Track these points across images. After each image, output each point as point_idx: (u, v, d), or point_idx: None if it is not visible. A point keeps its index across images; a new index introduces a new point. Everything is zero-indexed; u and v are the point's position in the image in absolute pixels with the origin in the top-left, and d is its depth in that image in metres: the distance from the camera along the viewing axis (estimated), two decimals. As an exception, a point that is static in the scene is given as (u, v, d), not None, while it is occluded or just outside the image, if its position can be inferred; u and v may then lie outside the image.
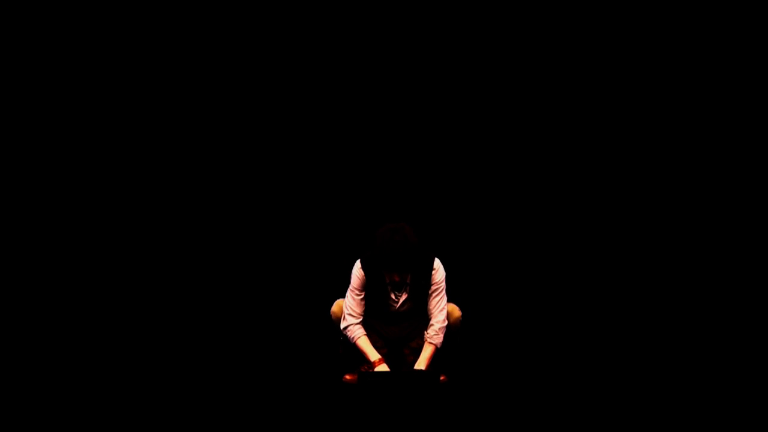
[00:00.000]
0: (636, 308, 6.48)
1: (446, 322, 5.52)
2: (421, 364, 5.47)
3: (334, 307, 5.65)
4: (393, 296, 5.53)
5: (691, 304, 6.46)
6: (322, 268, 6.63)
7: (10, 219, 6.58)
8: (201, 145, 6.74)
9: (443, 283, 5.52)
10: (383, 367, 5.47)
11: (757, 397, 5.18)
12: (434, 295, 5.52)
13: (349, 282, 5.53)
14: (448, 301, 5.56)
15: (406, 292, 5.52)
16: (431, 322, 5.52)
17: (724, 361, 5.77)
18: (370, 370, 5.59)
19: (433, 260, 5.51)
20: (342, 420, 5.10)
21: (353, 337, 5.52)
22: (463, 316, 5.59)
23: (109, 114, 6.66)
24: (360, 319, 5.53)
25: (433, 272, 5.50)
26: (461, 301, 6.35)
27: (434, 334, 5.50)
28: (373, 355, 5.49)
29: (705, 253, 6.56)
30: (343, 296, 5.60)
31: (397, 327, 5.61)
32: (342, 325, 5.55)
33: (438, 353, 5.51)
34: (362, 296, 5.53)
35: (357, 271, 5.51)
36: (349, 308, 5.53)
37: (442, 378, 5.58)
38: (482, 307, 6.48)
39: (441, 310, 5.52)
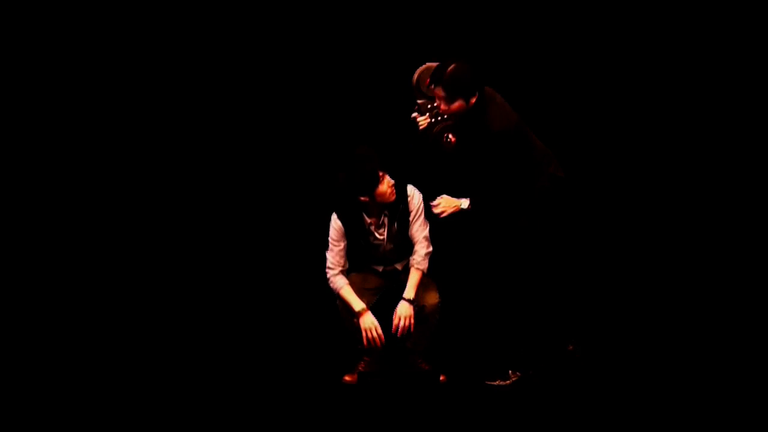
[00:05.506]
0: (636, 307, 6.47)
1: (431, 248, 5.54)
2: (409, 291, 5.46)
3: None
4: (377, 234, 5.55)
5: (684, 300, 6.45)
6: (320, 270, 6.60)
7: (10, 219, 6.58)
8: (200, 144, 6.72)
9: (422, 207, 5.55)
10: (368, 317, 5.44)
11: (757, 397, 5.18)
12: (414, 221, 5.54)
13: None
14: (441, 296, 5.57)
15: (386, 226, 5.53)
16: (415, 249, 5.54)
17: (722, 361, 5.77)
18: (369, 369, 5.59)
19: (406, 188, 5.54)
20: (342, 420, 5.10)
21: (336, 288, 5.53)
22: (440, 302, 5.57)
23: (107, 114, 6.65)
24: (341, 269, 5.55)
25: (409, 199, 5.54)
26: (461, 301, 6.36)
27: (421, 259, 5.52)
28: (358, 304, 5.48)
29: (697, 251, 6.55)
30: None
31: (390, 267, 5.64)
32: (327, 277, 5.56)
33: (425, 278, 5.52)
34: (341, 246, 5.54)
35: (334, 223, 5.54)
36: (329, 261, 5.55)
37: (442, 378, 5.59)
38: (482, 307, 6.46)
39: (424, 236, 5.54)
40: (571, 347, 5.55)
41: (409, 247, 5.58)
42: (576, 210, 5.93)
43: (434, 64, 5.26)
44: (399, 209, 5.51)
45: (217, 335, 6.42)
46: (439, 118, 5.39)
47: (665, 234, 6.57)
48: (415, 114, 5.48)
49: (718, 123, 6.49)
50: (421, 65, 5.46)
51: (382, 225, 5.54)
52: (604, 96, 6.56)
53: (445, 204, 5.37)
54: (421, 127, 5.46)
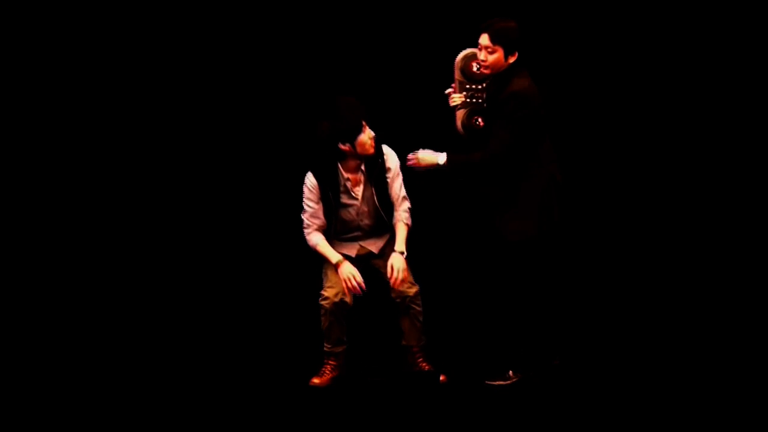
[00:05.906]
0: (635, 308, 6.47)
1: (410, 204, 5.62)
2: (400, 244, 5.53)
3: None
4: (352, 193, 5.57)
5: (681, 299, 6.45)
6: (315, 270, 6.60)
7: (10, 219, 6.58)
8: (193, 141, 6.70)
9: (398, 167, 5.62)
10: (346, 266, 5.48)
11: (757, 397, 5.19)
12: (394, 180, 5.62)
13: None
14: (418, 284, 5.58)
15: (361, 184, 5.56)
16: (397, 207, 5.62)
17: (717, 361, 5.77)
18: (334, 373, 5.55)
19: (382, 147, 5.60)
20: (342, 420, 5.10)
21: (313, 245, 5.60)
22: (420, 291, 5.56)
23: (104, 113, 6.65)
24: (316, 227, 5.59)
25: (385, 158, 5.60)
26: (461, 301, 6.36)
27: (405, 215, 5.61)
28: (334, 257, 5.54)
29: (689, 255, 6.55)
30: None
31: (364, 251, 5.67)
32: (305, 236, 5.60)
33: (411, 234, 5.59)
34: (317, 209, 5.58)
35: (308, 182, 5.58)
36: (305, 222, 5.60)
37: (442, 378, 5.59)
38: (482, 308, 6.46)
39: (403, 195, 5.62)
40: (557, 361, 5.57)
41: (383, 223, 5.63)
42: (570, 214, 5.93)
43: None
44: (377, 165, 5.55)
45: (213, 335, 6.41)
46: (473, 100, 5.56)
47: (660, 237, 6.57)
48: (450, 90, 5.62)
49: (713, 132, 6.50)
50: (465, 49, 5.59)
51: (358, 183, 5.56)
52: (599, 100, 6.57)
53: (422, 157, 5.47)
54: (452, 103, 5.61)
